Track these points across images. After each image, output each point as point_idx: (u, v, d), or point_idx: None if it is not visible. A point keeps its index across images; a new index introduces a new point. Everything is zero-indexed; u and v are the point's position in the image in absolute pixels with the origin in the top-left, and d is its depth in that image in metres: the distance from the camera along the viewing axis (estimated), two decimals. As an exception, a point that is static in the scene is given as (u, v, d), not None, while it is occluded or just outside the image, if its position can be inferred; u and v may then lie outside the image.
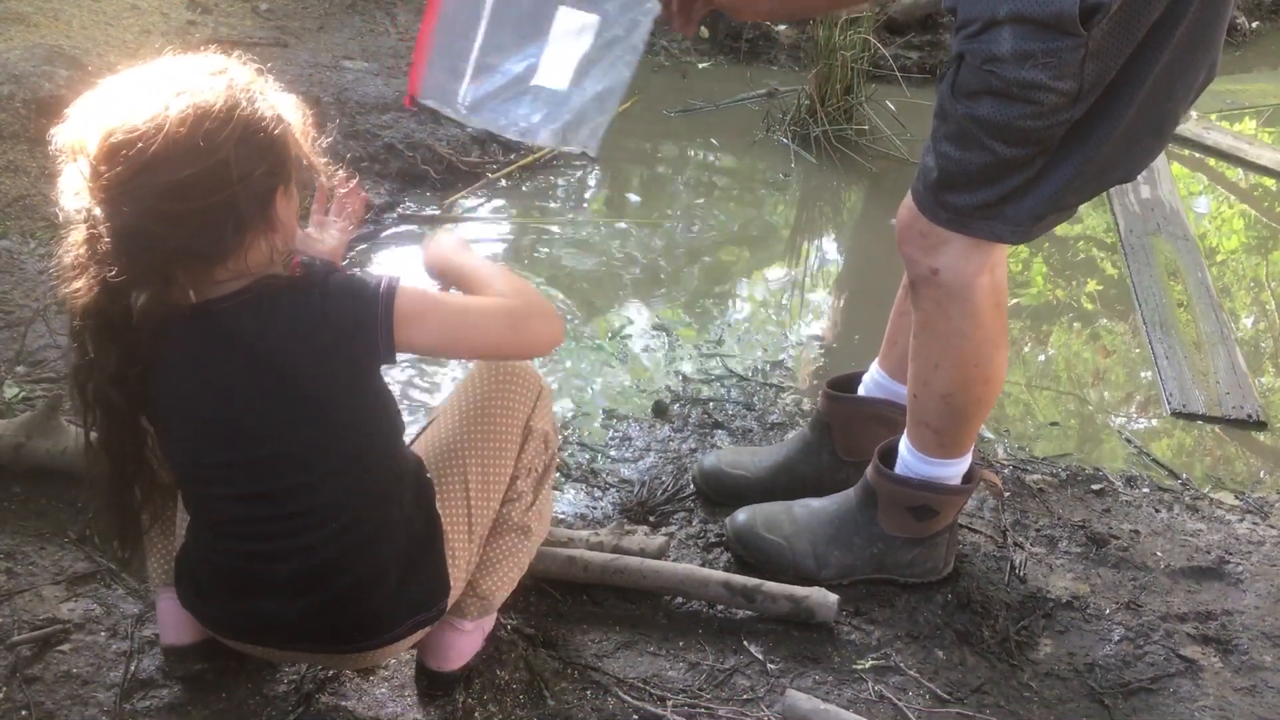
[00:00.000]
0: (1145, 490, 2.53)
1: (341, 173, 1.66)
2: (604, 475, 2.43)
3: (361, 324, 1.43)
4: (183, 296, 1.40)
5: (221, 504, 1.52)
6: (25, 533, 1.98)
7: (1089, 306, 3.47)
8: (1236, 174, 4.44)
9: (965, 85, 1.63)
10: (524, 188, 3.72)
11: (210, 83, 1.37)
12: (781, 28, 4.77)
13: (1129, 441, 2.79)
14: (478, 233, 3.49)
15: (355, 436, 1.51)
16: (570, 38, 1.78)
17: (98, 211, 1.34)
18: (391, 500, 1.57)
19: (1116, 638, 2.07)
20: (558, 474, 2.42)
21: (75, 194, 1.36)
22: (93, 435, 1.50)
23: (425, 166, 3.64)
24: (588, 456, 2.51)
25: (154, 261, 1.35)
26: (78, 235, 1.37)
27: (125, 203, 1.32)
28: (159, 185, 1.31)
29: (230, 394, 1.45)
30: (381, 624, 1.59)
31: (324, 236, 1.81)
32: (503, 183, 3.70)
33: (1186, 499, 2.51)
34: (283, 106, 1.45)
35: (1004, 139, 1.63)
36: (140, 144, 1.31)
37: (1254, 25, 5.56)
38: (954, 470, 2.02)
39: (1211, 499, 2.53)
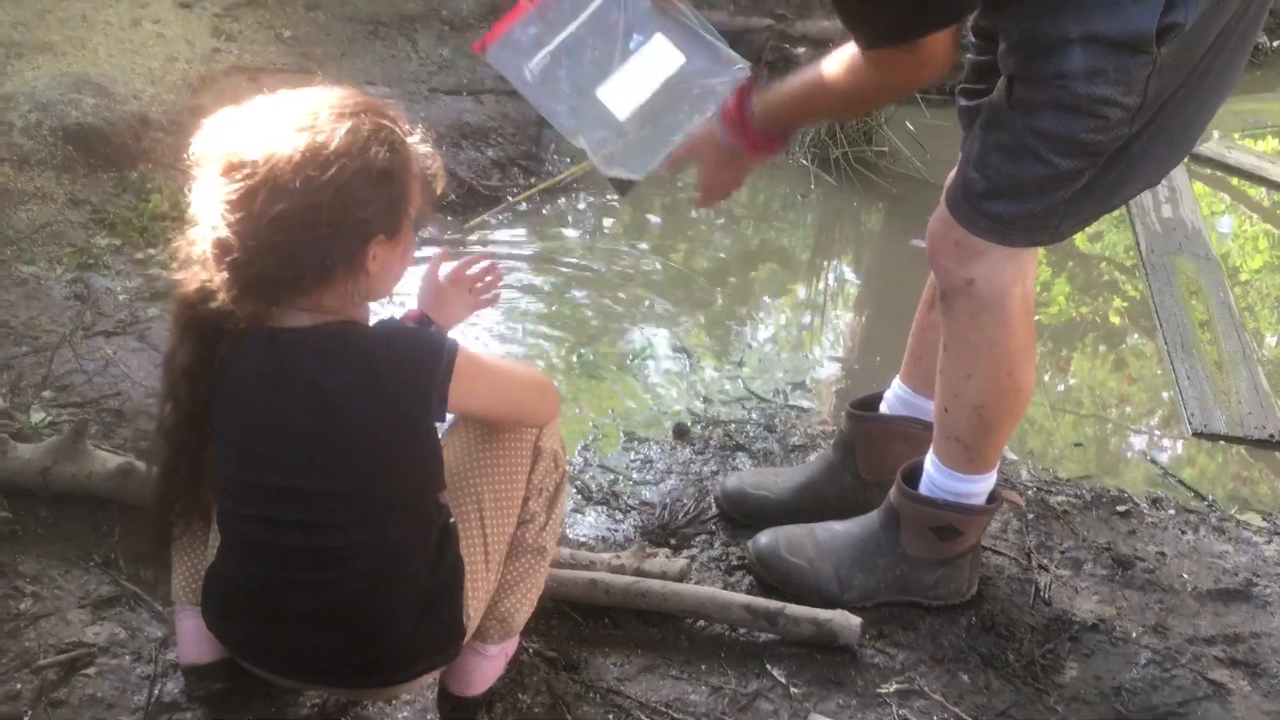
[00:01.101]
0: (1170, 512, 2.52)
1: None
2: (625, 498, 2.43)
3: (420, 381, 1.48)
4: (265, 317, 1.46)
5: (251, 525, 1.53)
6: (51, 556, 1.99)
7: (1111, 326, 3.45)
8: (1259, 193, 4.42)
9: (1025, 100, 1.65)
10: (544, 211, 3.74)
11: (333, 125, 1.42)
12: (800, 50, 4.78)
13: (1153, 462, 2.78)
14: (497, 253, 3.50)
15: (393, 485, 1.53)
16: (650, 69, 1.81)
17: (211, 218, 1.41)
18: (417, 547, 1.58)
19: (1143, 661, 2.05)
20: (579, 496, 2.42)
21: (199, 198, 1.44)
22: (164, 427, 1.55)
23: (445, 190, 3.65)
24: (609, 479, 2.51)
25: (242, 278, 1.41)
26: (195, 233, 1.45)
27: (228, 219, 1.39)
28: (256, 212, 1.38)
29: (281, 421, 1.48)
30: (395, 664, 1.60)
31: (453, 298, 1.87)
32: (523, 206, 3.72)
33: (1212, 520, 2.49)
34: (407, 158, 1.50)
35: (1065, 152, 1.65)
36: (250, 170, 1.38)
37: (1275, 45, 5.55)
38: (979, 488, 2.01)
39: (1238, 520, 2.51)
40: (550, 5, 1.82)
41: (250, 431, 1.51)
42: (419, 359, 1.49)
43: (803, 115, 1.96)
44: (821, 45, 4.35)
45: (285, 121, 1.42)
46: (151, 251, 2.98)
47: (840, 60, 1.76)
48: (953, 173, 1.85)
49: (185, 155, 1.47)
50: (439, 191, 1.60)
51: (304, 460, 1.48)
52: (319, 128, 1.41)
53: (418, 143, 1.54)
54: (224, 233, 1.40)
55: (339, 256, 1.43)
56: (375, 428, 1.48)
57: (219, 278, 1.42)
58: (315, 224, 1.39)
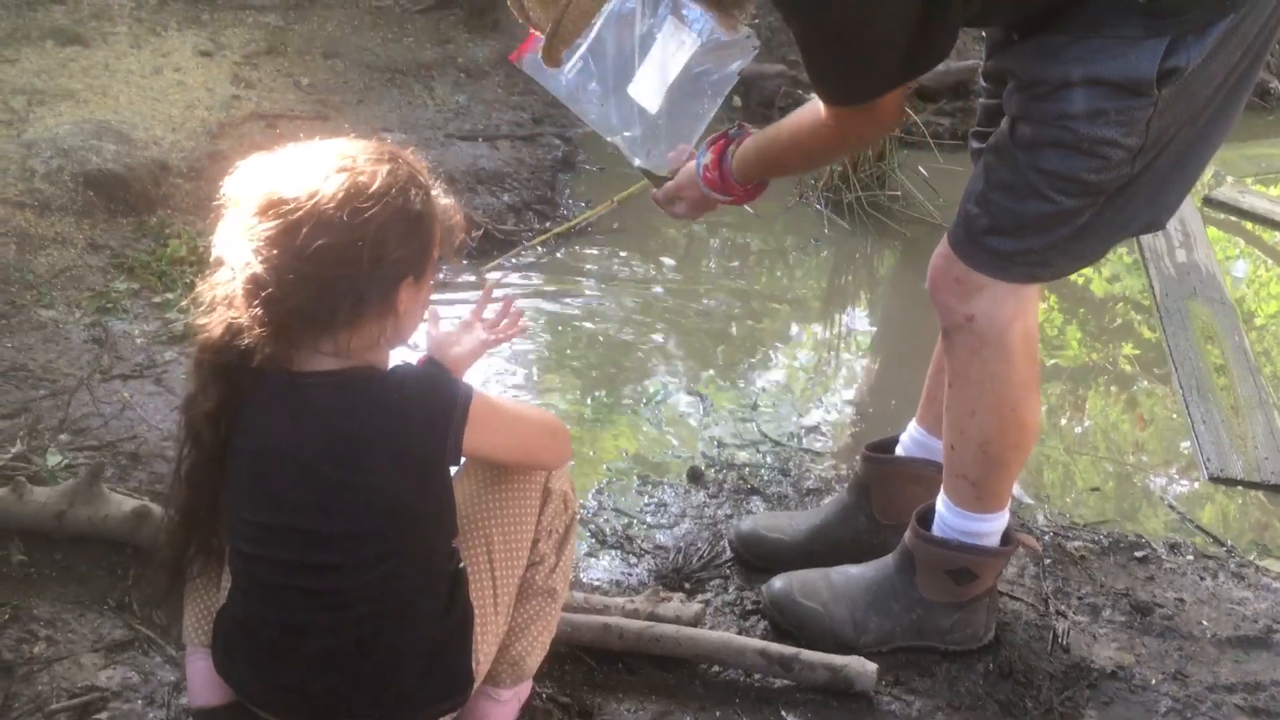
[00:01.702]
0: (1189, 557, 2.49)
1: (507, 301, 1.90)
2: (639, 541, 2.42)
3: (436, 427, 1.49)
4: (286, 360, 1.47)
5: (259, 566, 1.54)
6: (65, 600, 1.99)
7: (1126, 370, 3.44)
8: (1274, 237, 4.42)
9: (1028, 139, 1.68)
10: (559, 254, 3.75)
11: (373, 167, 1.45)
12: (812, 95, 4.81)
13: (1171, 507, 2.76)
14: (512, 297, 3.51)
15: (405, 530, 1.53)
16: (667, 55, 1.86)
17: (241, 259, 1.43)
18: (427, 593, 1.58)
19: (1163, 709, 2.03)
20: (593, 540, 2.42)
21: (227, 239, 1.45)
22: (183, 469, 1.55)
23: (465, 241, 3.67)
24: (623, 522, 2.50)
25: (273, 314, 1.42)
26: (220, 276, 1.46)
27: (265, 255, 1.40)
28: (296, 246, 1.40)
29: (296, 462, 1.48)
30: (402, 710, 1.59)
31: (462, 339, 1.86)
32: (538, 250, 3.74)
33: (1231, 566, 2.47)
34: (436, 205, 1.53)
35: (1067, 191, 1.67)
36: (293, 205, 1.40)
37: (1286, 88, 5.56)
38: (991, 528, 2.00)
39: (1257, 566, 2.48)
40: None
41: (266, 473, 1.51)
42: (435, 405, 1.50)
43: (771, 171, 2.01)
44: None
45: (324, 163, 1.45)
46: (169, 296, 3.01)
47: (802, 117, 1.83)
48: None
49: (213, 197, 1.48)
50: (458, 243, 1.61)
51: (316, 502, 1.49)
52: (359, 169, 1.44)
53: (440, 194, 1.56)
54: (259, 269, 1.41)
55: (374, 294, 1.45)
56: (391, 473, 1.49)
57: (249, 315, 1.43)
58: (356, 259, 1.42)
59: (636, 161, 1.96)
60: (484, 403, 1.54)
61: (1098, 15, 1.57)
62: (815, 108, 1.79)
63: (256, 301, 1.42)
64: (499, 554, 1.68)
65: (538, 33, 1.69)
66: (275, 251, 1.40)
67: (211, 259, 1.49)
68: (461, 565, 1.64)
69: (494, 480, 1.71)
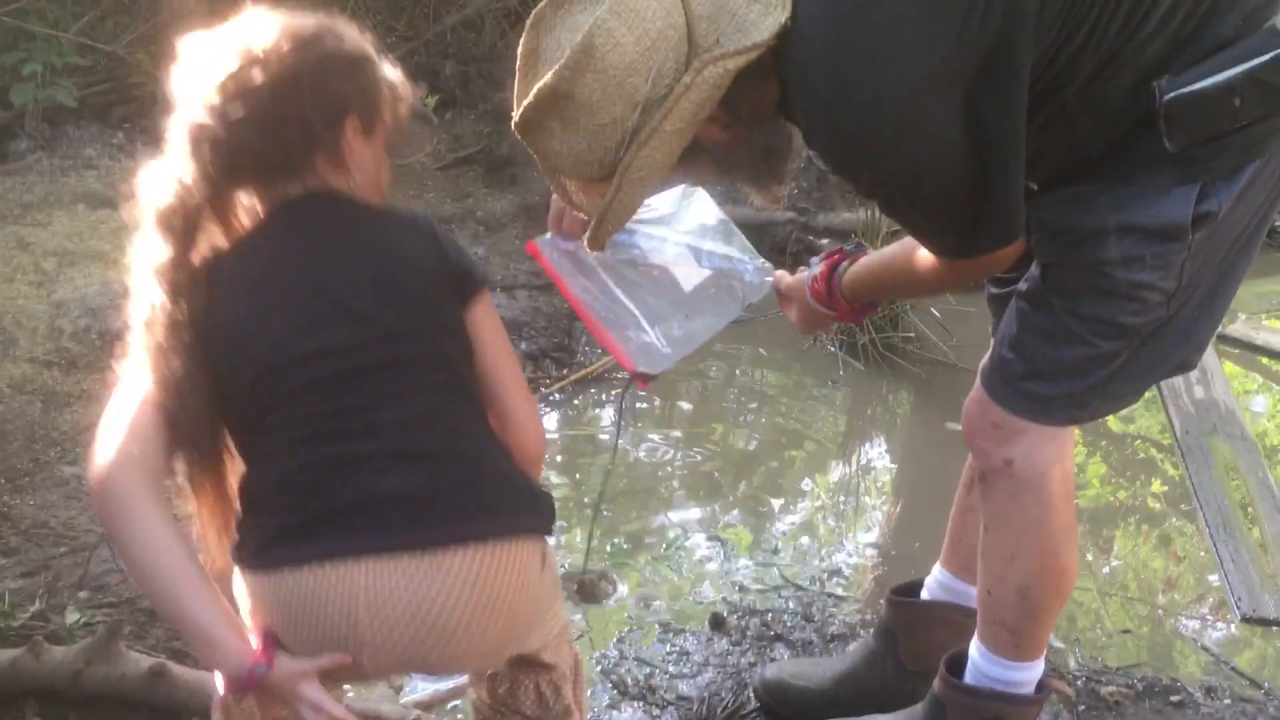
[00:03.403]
0: (1226, 701, 2.43)
1: None
2: (662, 692, 2.38)
3: (464, 260, 1.58)
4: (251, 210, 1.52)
5: (305, 401, 1.46)
6: (79, 762, 1.96)
7: (1151, 508, 3.41)
8: (1290, 371, 4.42)
9: (1063, 285, 1.69)
10: (576, 400, 3.78)
11: (313, 20, 1.51)
12: (825, 241, 4.90)
13: (1205, 649, 2.69)
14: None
15: (449, 343, 1.55)
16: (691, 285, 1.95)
17: (190, 114, 1.46)
18: (481, 421, 1.56)
19: None
20: (615, 691, 2.37)
21: (178, 103, 1.48)
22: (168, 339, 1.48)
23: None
24: (645, 672, 2.46)
25: (224, 160, 1.45)
26: (172, 139, 1.48)
27: (209, 103, 1.44)
28: (236, 88, 1.43)
29: (330, 271, 1.50)
30: (497, 502, 1.49)
31: None
32: (556, 396, 3.77)
33: (1270, 710, 2.40)
34: (382, 65, 1.57)
35: (1104, 334, 1.68)
36: (233, 53, 1.46)
37: (1292, 225, 5.64)
38: (1027, 676, 1.95)
39: (1298, 709, 2.41)
40: (603, 309, 1.98)
41: (294, 299, 1.50)
42: (459, 249, 1.61)
43: (885, 294, 2.03)
44: (843, 236, 4.47)
45: (264, 21, 1.50)
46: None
47: (918, 250, 1.79)
48: (986, 357, 1.87)
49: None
50: (406, 114, 1.60)
51: (358, 306, 1.49)
52: (299, 22, 1.50)
53: (390, 65, 1.59)
54: (201, 121, 1.44)
55: (322, 130, 1.48)
56: (427, 276, 1.53)
57: (194, 167, 1.45)
58: (298, 90, 1.45)
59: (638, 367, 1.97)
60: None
61: (1129, 165, 1.60)
62: None
63: (202, 147, 1.44)
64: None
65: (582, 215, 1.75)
66: (220, 98, 1.44)
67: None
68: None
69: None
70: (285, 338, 1.48)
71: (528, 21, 1.59)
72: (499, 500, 1.50)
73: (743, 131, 1.63)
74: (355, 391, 1.46)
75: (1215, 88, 1.50)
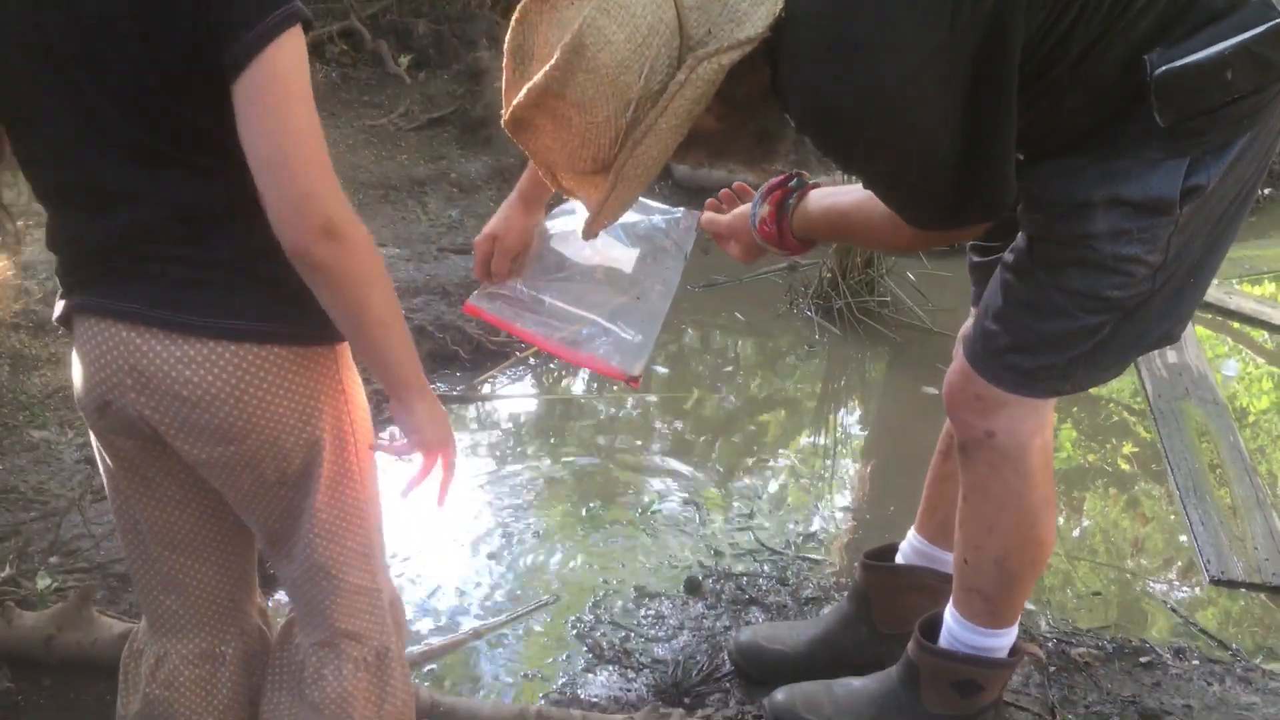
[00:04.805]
0: (1195, 662, 2.46)
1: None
2: (637, 655, 2.39)
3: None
4: None
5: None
6: (52, 727, 1.95)
7: (1123, 471, 3.44)
8: (1261, 336, 4.46)
9: (1049, 258, 1.68)
10: (551, 365, 3.77)
11: None
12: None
13: (1174, 611, 2.73)
14: (507, 409, 3.52)
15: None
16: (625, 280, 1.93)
17: None
18: (236, 207, 1.39)
19: (1178, 821, 1.98)
20: (590, 655, 2.38)
21: None
22: None
23: (455, 347, 3.70)
24: (620, 636, 2.46)
25: None
26: None
27: None
28: None
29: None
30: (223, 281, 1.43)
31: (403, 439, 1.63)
32: (531, 361, 3.76)
33: (1238, 671, 2.43)
34: None
35: (1089, 308, 1.67)
36: None
37: (1265, 192, 5.67)
38: (1001, 642, 1.97)
39: (1264, 670, 2.44)
40: (536, 324, 1.94)
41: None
42: None
43: (840, 241, 2.00)
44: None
45: None
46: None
47: (880, 208, 1.74)
48: (966, 325, 1.86)
49: None
50: None
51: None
52: None
53: None
54: None
55: None
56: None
57: None
58: None
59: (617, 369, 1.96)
60: (300, 55, 1.29)
61: (1118, 137, 1.59)
62: None
63: None
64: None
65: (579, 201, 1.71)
66: None
67: None
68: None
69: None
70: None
71: (513, 17, 1.55)
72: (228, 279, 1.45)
73: (737, 119, 1.61)
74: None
75: (1208, 60, 1.49)
